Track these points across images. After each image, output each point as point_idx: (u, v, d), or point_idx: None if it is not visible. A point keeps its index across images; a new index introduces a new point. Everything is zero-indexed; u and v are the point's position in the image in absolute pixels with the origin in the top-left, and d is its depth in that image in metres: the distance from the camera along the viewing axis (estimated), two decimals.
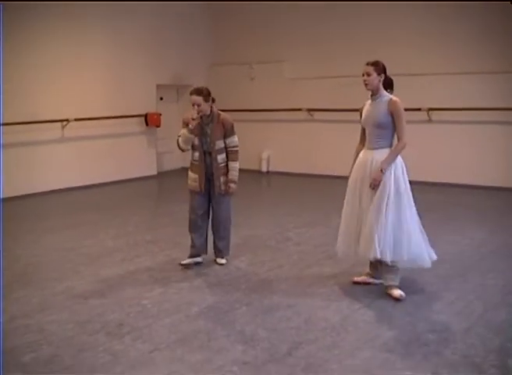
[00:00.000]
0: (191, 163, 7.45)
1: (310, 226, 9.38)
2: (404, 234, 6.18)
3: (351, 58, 13.92)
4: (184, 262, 7.43)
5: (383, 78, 6.44)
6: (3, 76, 11.79)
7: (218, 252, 7.56)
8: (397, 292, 6.22)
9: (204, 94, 7.23)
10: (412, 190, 6.41)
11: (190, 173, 7.43)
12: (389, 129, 6.30)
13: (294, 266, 7.31)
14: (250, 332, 5.37)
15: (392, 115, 6.28)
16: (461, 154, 12.96)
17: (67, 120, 13.18)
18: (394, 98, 6.37)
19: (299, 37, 15.04)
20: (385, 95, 6.41)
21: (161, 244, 8.33)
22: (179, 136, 7.31)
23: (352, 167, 6.57)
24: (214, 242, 7.58)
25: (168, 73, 15.69)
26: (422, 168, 13.27)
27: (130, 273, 7.17)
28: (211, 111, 7.29)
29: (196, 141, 7.31)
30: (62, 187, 13.10)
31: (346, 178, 6.63)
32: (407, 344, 5.07)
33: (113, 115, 14.10)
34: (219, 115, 7.34)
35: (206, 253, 7.59)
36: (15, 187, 12.19)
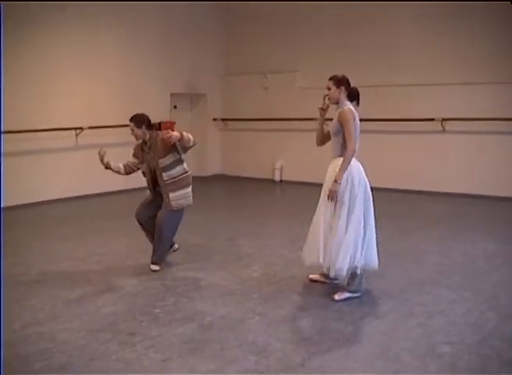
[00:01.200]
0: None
1: None
2: (336, 243, 6.37)
3: (365, 68, 13.95)
4: None
5: (344, 90, 6.58)
6: (17, 84, 11.92)
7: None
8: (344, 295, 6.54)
9: (135, 120, 7.54)
10: (374, 196, 6.61)
11: None
12: (341, 138, 6.50)
13: (307, 276, 7.29)
14: (263, 342, 5.35)
15: (341, 124, 6.45)
16: (474, 164, 12.93)
17: (81, 128, 13.23)
18: (345, 108, 6.52)
19: (312, 47, 15.07)
20: (342, 106, 6.56)
21: (174, 253, 8.32)
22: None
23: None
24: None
25: (182, 82, 15.75)
26: (435, 178, 13.28)
27: (143, 282, 7.17)
28: (149, 137, 7.49)
29: (143, 168, 7.66)
30: (75, 194, 13.14)
31: None
32: (420, 356, 5.04)
33: (127, 123, 14.10)
34: (156, 135, 7.50)
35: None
36: (28, 194, 12.25)
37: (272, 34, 15.69)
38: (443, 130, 13.24)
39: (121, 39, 14.16)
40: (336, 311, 6.16)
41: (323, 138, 6.94)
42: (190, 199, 7.62)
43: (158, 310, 6.20)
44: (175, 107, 16.04)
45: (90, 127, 13.31)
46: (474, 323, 5.77)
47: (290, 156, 15.41)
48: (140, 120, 7.51)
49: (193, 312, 6.15)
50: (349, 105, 6.54)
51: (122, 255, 8.41)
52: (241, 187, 15.18)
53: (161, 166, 7.37)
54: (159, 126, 14.94)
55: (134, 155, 7.76)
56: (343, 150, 6.49)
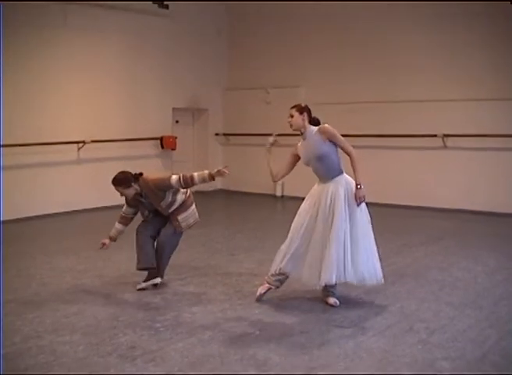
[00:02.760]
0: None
1: None
2: (352, 255, 6.55)
3: (368, 83, 14.00)
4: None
5: (306, 117, 6.74)
6: (18, 98, 11.97)
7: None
8: (332, 299, 6.77)
9: (123, 183, 7.24)
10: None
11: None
12: (333, 156, 6.65)
13: (308, 292, 7.27)
14: (263, 357, 5.34)
15: (330, 139, 6.60)
16: (476, 180, 12.93)
17: (83, 142, 13.26)
18: (322, 125, 6.71)
19: (315, 63, 15.12)
20: (313, 129, 6.72)
21: (175, 268, 8.32)
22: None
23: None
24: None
25: (185, 97, 15.81)
26: (437, 194, 13.28)
27: (143, 296, 7.17)
28: (139, 187, 7.28)
29: (146, 213, 7.58)
30: (77, 208, 13.15)
31: None
32: (420, 372, 5.03)
33: (129, 137, 14.18)
34: (147, 183, 7.28)
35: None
36: (31, 207, 12.29)
37: (275, 49, 15.75)
38: (445, 146, 13.25)
39: (123, 53, 14.22)
40: (336, 326, 6.15)
41: (278, 173, 7.20)
42: (196, 215, 7.67)
43: (158, 324, 6.20)
44: (177, 122, 16.07)
45: (93, 141, 13.34)
46: (475, 340, 5.76)
47: (292, 171, 15.36)
48: (126, 180, 7.25)
49: (194, 326, 6.15)
50: (316, 127, 6.72)
51: (123, 268, 8.41)
52: (242, 202, 15.17)
53: (164, 206, 7.36)
54: (161, 141, 15.03)
55: (129, 205, 7.58)
56: (338, 168, 6.69)
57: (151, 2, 14.37)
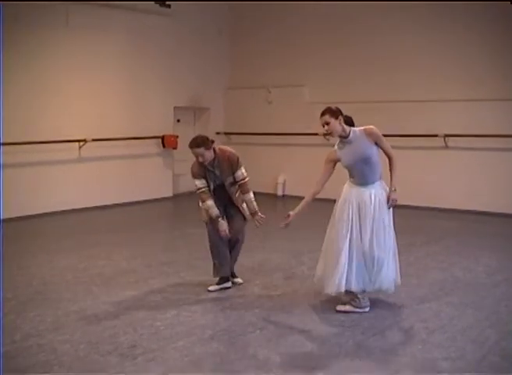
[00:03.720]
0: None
1: None
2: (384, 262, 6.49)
3: (371, 83, 13.99)
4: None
5: (342, 119, 6.34)
6: (20, 97, 11.98)
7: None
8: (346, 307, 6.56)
9: (204, 144, 7.00)
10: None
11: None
12: (377, 158, 6.41)
13: (308, 291, 7.28)
14: (264, 356, 5.35)
15: (376, 142, 6.36)
16: (477, 181, 12.91)
17: (84, 140, 13.26)
18: (367, 127, 6.42)
19: (316, 62, 15.10)
20: (355, 130, 6.42)
21: (175, 266, 8.33)
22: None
23: (300, 210, 6.90)
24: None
25: (186, 96, 15.79)
26: (438, 194, 13.26)
27: (144, 295, 7.17)
28: (214, 154, 7.15)
29: (210, 186, 7.29)
30: (78, 207, 13.14)
31: None
32: (420, 372, 5.03)
33: (130, 136, 14.17)
34: (224, 152, 7.25)
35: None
36: (32, 205, 12.28)
37: (276, 49, 15.73)
38: (446, 146, 13.24)
39: (124, 52, 14.20)
40: (336, 326, 6.15)
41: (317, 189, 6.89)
42: None
43: (159, 323, 6.20)
44: (178, 121, 16.06)
45: (94, 140, 13.33)
46: (475, 340, 5.75)
47: (293, 171, 15.40)
48: (207, 142, 7.03)
49: (194, 325, 6.15)
50: (357, 128, 6.43)
51: (123, 267, 8.41)
52: None
53: (228, 182, 7.30)
54: (162, 140, 15.03)
55: (199, 176, 7.20)
56: (380, 173, 6.50)
57: (152, 2, 14.36)
